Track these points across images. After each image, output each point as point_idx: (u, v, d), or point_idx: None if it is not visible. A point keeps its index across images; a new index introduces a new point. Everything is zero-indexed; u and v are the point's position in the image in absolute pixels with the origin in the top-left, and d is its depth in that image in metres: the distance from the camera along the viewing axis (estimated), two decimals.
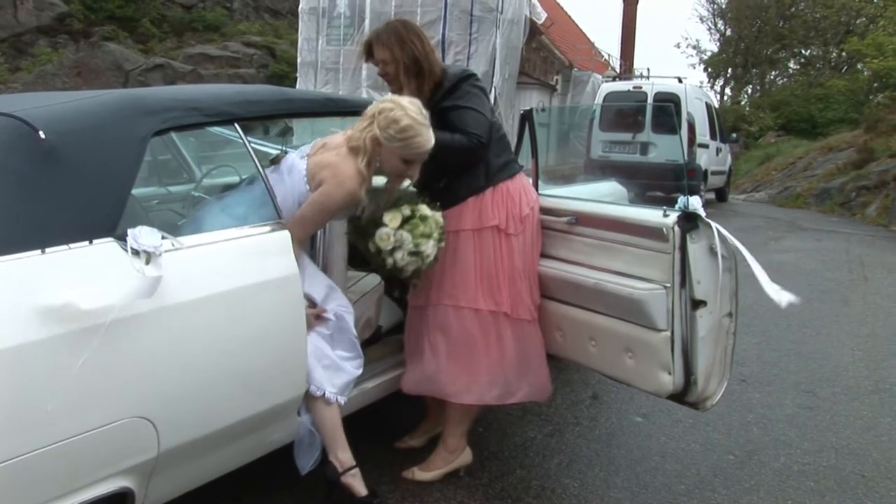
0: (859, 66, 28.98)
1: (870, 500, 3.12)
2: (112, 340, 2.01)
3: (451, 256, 3.07)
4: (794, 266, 8.52)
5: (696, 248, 2.73)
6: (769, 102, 34.72)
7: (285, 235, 2.60)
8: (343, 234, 3.25)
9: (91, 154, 2.17)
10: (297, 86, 20.16)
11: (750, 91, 40.74)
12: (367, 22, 19.04)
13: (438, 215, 2.93)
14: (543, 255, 3.24)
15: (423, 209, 2.91)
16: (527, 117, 3.50)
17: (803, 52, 38.43)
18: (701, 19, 40.92)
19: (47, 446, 1.89)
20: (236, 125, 2.64)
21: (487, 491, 3.11)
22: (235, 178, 3.10)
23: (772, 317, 5.89)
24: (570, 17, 34.40)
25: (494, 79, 18.90)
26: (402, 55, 2.99)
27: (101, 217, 2.11)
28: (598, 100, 14.18)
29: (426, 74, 3.02)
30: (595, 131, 13.40)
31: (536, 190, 3.31)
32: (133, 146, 2.26)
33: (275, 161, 3.05)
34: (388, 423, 3.59)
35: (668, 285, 2.75)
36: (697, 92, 14.66)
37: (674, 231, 2.72)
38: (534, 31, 21.51)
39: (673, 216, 2.75)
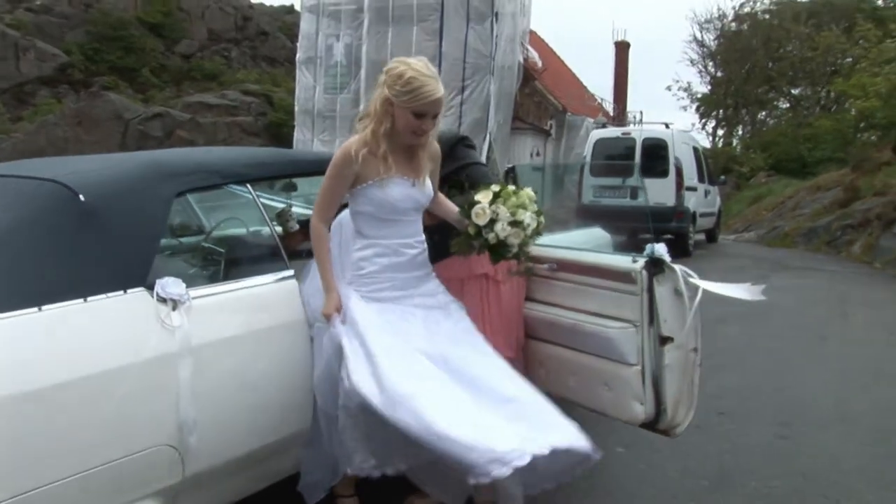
0: (846, 105, 29.51)
1: None
2: (145, 377, 2.31)
3: None
4: (777, 303, 8.80)
5: (662, 290, 3.04)
6: (759, 143, 35.31)
7: (293, 285, 2.92)
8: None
9: (123, 214, 2.48)
10: (295, 133, 20.62)
11: (741, 132, 41.37)
12: (363, 70, 19.52)
13: (529, 190, 3.03)
14: (528, 299, 3.55)
15: (512, 186, 3.02)
16: (509, 172, 3.84)
17: (793, 91, 39.11)
18: (691, 62, 41.59)
19: (92, 469, 2.18)
20: (248, 185, 2.97)
21: None
22: (243, 230, 3.43)
23: (751, 353, 6.19)
24: (563, 62, 35.01)
25: (489, 124, 19.33)
26: None
27: (133, 269, 2.42)
28: (588, 146, 14.59)
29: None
30: (586, 176, 13.77)
31: None
32: (159, 206, 2.59)
33: (281, 214, 3.37)
34: None
35: (638, 324, 3.05)
36: (684, 137, 15.10)
37: (641, 275, 3.02)
38: (527, 76, 22.00)
39: (641, 261, 3.06)
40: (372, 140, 2.83)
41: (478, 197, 2.94)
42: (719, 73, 40.59)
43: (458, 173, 3.34)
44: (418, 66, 2.78)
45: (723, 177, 19.74)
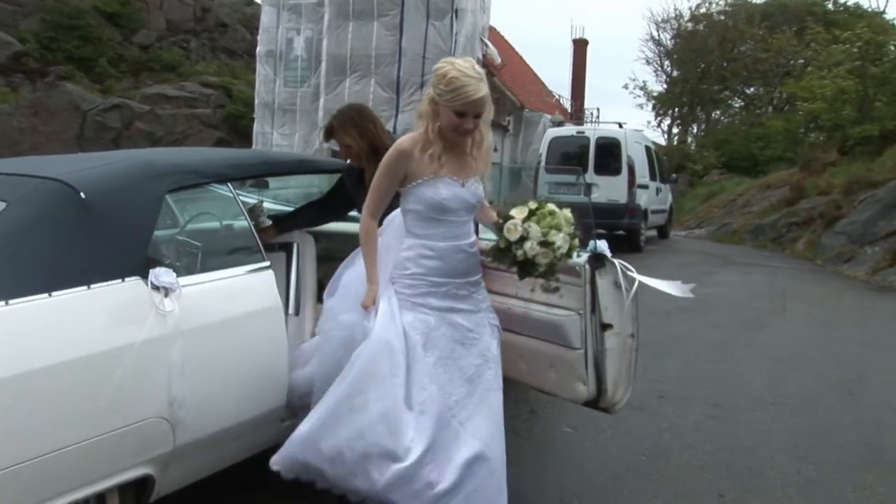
0: (796, 105, 30.33)
1: (752, 486, 3.78)
2: (141, 356, 2.59)
3: None
4: (721, 298, 9.28)
5: (603, 282, 3.38)
6: (713, 141, 36.08)
7: (269, 275, 3.21)
8: (313, 272, 3.87)
9: (120, 210, 2.76)
10: (255, 126, 20.67)
11: (695, 130, 42.18)
12: (323, 64, 19.61)
13: (567, 212, 3.07)
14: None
15: (551, 206, 3.05)
16: None
17: (746, 91, 39.96)
18: (647, 61, 42.30)
19: (96, 437, 2.46)
20: (228, 184, 3.26)
21: None
22: (216, 224, 3.70)
23: (693, 342, 6.60)
24: (522, 58, 35.37)
25: None
26: (360, 142, 3.62)
27: (130, 260, 2.70)
28: (544, 145, 14.99)
29: (381, 154, 3.64)
30: (542, 174, 14.17)
31: (477, 234, 3.95)
32: (152, 203, 2.86)
33: (252, 210, 3.64)
34: None
35: (582, 312, 3.39)
36: (637, 136, 15.59)
37: (585, 269, 3.36)
38: (486, 72, 22.33)
39: (584, 256, 3.40)
40: (425, 139, 2.93)
41: (513, 212, 3.00)
42: (675, 73, 41.32)
43: None
44: (462, 66, 2.86)
45: (674, 175, 20.31)
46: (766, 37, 35.56)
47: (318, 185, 5.44)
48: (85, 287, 2.52)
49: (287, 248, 3.83)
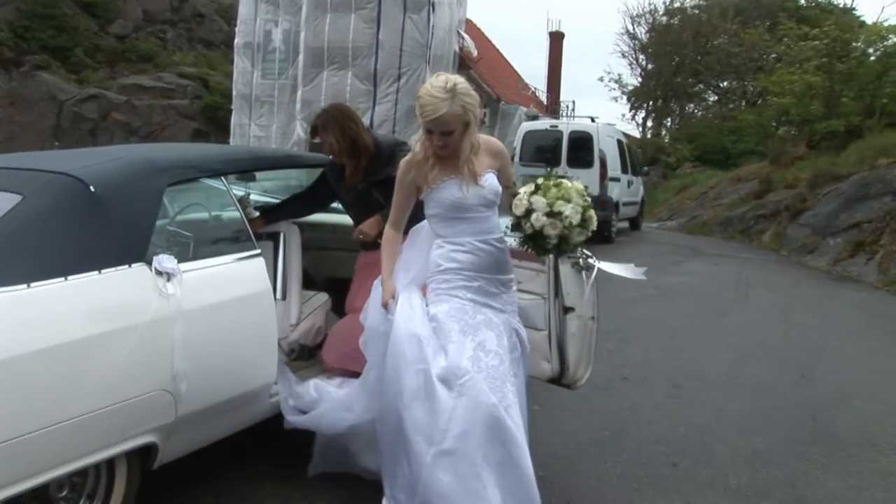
0: (768, 100, 30.82)
1: (704, 457, 4.11)
2: (146, 335, 2.87)
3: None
4: (688, 287, 9.65)
5: (565, 269, 3.69)
6: (686, 135, 36.55)
7: (260, 261, 3.49)
8: (299, 260, 4.15)
9: (126, 202, 3.03)
10: (233, 118, 20.76)
11: (669, 123, 42.66)
12: (301, 56, 19.71)
13: (578, 184, 3.11)
14: None
15: (561, 180, 3.12)
16: None
17: (720, 84, 40.46)
18: (622, 55, 42.72)
19: (107, 407, 2.73)
20: (222, 178, 3.54)
21: None
22: (212, 215, 3.97)
23: (658, 328, 6.94)
24: (498, 51, 35.56)
25: None
26: (342, 140, 3.89)
27: (135, 248, 2.97)
28: (518, 138, 15.30)
29: (362, 151, 3.92)
30: (516, 165, 14.47)
31: None
32: (154, 195, 3.13)
33: (240, 202, 3.91)
34: None
35: (546, 296, 3.71)
36: (609, 130, 15.94)
37: (549, 256, 3.66)
38: (462, 65, 22.53)
39: None
40: (420, 152, 3.16)
41: (521, 189, 3.11)
42: (650, 66, 41.74)
43: (394, 177, 3.93)
44: (433, 84, 3.04)
45: (646, 168, 20.70)
46: (739, 31, 36.01)
47: (296, 177, 5.72)
48: (96, 272, 2.79)
49: (274, 237, 4.12)
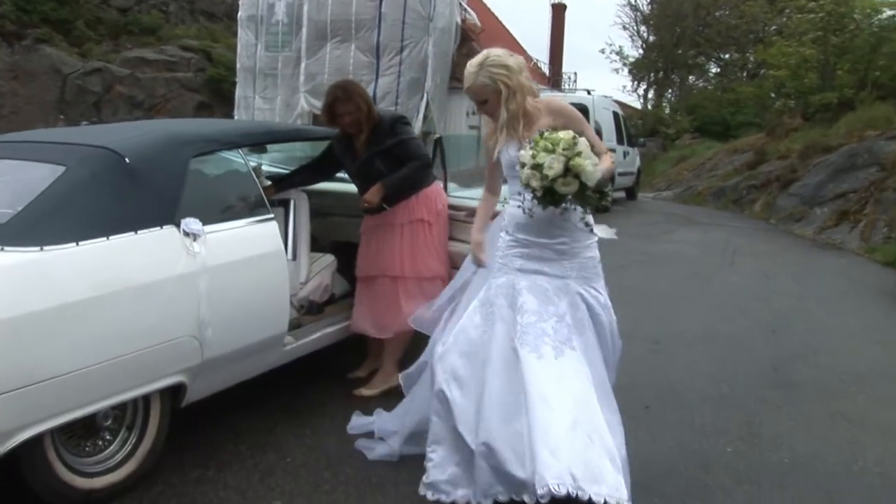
0: (765, 72, 31.02)
1: (673, 402, 4.56)
2: (176, 287, 3.29)
3: (385, 241, 4.41)
4: (677, 253, 10.08)
5: None
6: (686, 106, 36.77)
7: (273, 225, 3.91)
8: (308, 224, 4.58)
9: (156, 171, 3.44)
10: (237, 91, 20.96)
11: (670, 95, 42.83)
12: (304, 29, 19.83)
13: (569, 136, 3.08)
14: (451, 238, 4.59)
15: (549, 131, 3.15)
16: (438, 143, 4.87)
17: (722, 56, 40.56)
18: (624, 27, 42.82)
19: (146, 348, 3.16)
20: (239, 150, 3.96)
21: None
22: (231, 183, 4.36)
23: (643, 292, 7.37)
24: (500, 22, 35.67)
25: (426, 84, 20.03)
26: (363, 109, 4.30)
27: (166, 212, 3.39)
28: None
29: (373, 120, 4.34)
30: None
31: (446, 192, 4.67)
32: (181, 165, 3.55)
33: (254, 171, 4.31)
34: (343, 363, 4.88)
35: None
36: (605, 102, 16.30)
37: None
38: (465, 37, 22.72)
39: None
40: (490, 120, 3.50)
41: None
42: (651, 38, 41.84)
43: (396, 147, 4.35)
44: (476, 58, 3.42)
45: (642, 139, 21.00)
46: (739, 3, 36.08)
47: (301, 149, 6.14)
48: (133, 232, 3.21)
49: (285, 203, 4.54)
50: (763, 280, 8.61)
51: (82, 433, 3.21)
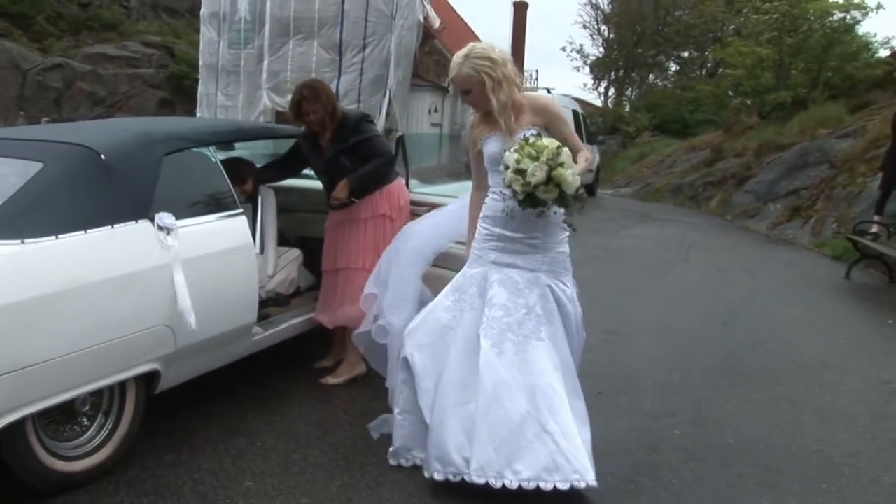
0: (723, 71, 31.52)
1: (626, 388, 4.79)
2: (151, 278, 3.44)
3: (349, 235, 4.58)
4: (634, 248, 10.36)
5: None
6: (645, 104, 37.31)
7: (242, 220, 4.07)
8: (274, 220, 4.74)
9: (131, 168, 3.58)
10: (199, 88, 20.88)
11: (630, 93, 43.39)
12: (267, 27, 19.83)
13: (553, 145, 3.24)
14: None
15: (545, 140, 3.29)
16: (400, 141, 5.06)
17: (681, 55, 41.16)
18: (584, 25, 43.29)
19: (121, 337, 3.30)
20: (210, 147, 4.11)
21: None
22: (202, 179, 4.50)
23: (599, 285, 7.61)
24: (463, 20, 35.86)
25: (389, 81, 20.13)
26: (328, 107, 4.48)
27: (141, 206, 3.53)
28: None
29: (337, 118, 4.52)
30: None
31: (408, 188, 4.86)
32: (154, 163, 3.69)
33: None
34: (309, 353, 5.04)
35: None
36: (565, 101, 16.61)
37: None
38: (427, 35, 22.84)
39: None
40: (472, 113, 3.68)
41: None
42: (612, 36, 42.34)
43: (360, 144, 4.53)
44: (462, 50, 3.55)
45: (601, 137, 21.34)
46: (698, 3, 36.64)
47: (264, 146, 6.28)
48: (109, 226, 3.35)
49: (253, 199, 4.70)
50: (717, 274, 8.90)
51: (61, 418, 3.34)
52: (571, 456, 3.19)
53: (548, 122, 3.55)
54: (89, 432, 3.45)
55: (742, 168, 15.74)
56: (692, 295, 7.66)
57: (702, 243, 11.16)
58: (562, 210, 3.49)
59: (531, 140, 3.29)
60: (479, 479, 3.20)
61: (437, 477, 3.33)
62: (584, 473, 3.18)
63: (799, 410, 4.55)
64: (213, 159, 4.15)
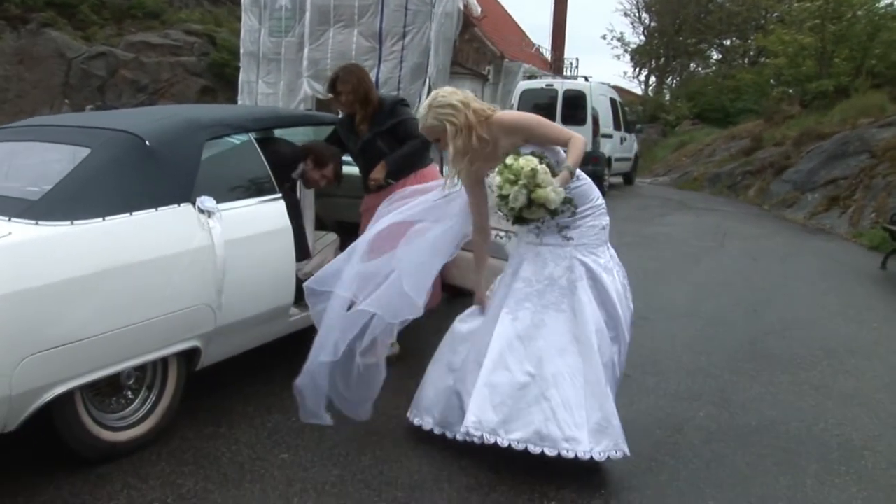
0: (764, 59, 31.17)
1: (653, 370, 4.88)
2: (193, 259, 3.61)
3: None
4: (668, 236, 10.39)
5: None
6: (686, 93, 36.95)
7: (280, 204, 4.22)
8: (312, 204, 4.90)
9: (174, 153, 3.75)
10: (241, 76, 21.23)
11: (670, 81, 43.02)
12: (307, 14, 20.02)
13: (532, 162, 3.32)
14: None
15: (521, 159, 3.34)
16: None
17: (724, 43, 40.70)
18: (625, 13, 42.96)
19: (167, 314, 3.48)
20: (250, 134, 4.27)
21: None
22: (243, 164, 4.66)
23: (633, 272, 7.56)
24: (503, 7, 35.75)
25: (429, 69, 20.24)
26: (359, 90, 4.65)
27: (183, 190, 3.70)
28: (515, 96, 15.92)
29: (370, 103, 4.68)
30: None
31: (441, 174, 4.99)
32: (196, 148, 3.86)
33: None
34: None
35: (512, 235, 4.42)
36: (602, 89, 16.58)
37: None
38: (467, 22, 22.84)
39: None
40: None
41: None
42: (653, 24, 41.99)
43: (396, 126, 4.67)
44: (427, 99, 3.68)
45: (639, 125, 21.29)
46: None
47: (304, 133, 6.44)
48: (154, 209, 3.53)
49: (292, 184, 4.86)
50: (750, 262, 8.91)
51: (108, 391, 3.54)
52: (565, 425, 3.30)
53: (526, 137, 3.56)
54: (133, 405, 3.65)
55: (781, 157, 15.62)
56: (724, 282, 7.70)
57: (737, 232, 11.14)
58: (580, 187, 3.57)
59: (509, 163, 3.33)
60: (475, 432, 3.37)
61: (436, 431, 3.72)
62: (574, 444, 3.27)
63: (823, 395, 4.61)
64: (253, 145, 4.32)
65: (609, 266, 3.63)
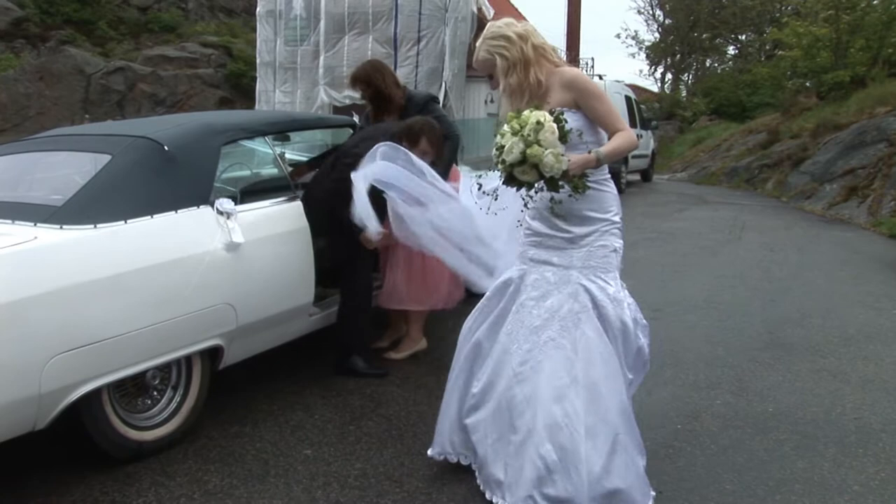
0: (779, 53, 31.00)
1: (671, 361, 4.91)
2: (213, 260, 3.69)
3: None
4: (686, 230, 10.39)
5: None
6: (702, 88, 36.84)
7: (298, 205, 4.30)
8: None
9: (192, 158, 3.84)
10: (257, 85, 21.34)
11: (687, 78, 42.89)
12: (322, 23, 20.16)
13: (539, 117, 2.88)
14: None
15: (534, 111, 2.93)
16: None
17: (740, 37, 40.51)
18: (639, 11, 42.85)
19: (188, 314, 3.56)
20: (266, 138, 4.36)
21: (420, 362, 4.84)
22: (259, 166, 4.78)
23: (650, 265, 7.71)
24: (516, 9, 35.73)
25: (444, 73, 20.30)
26: (368, 89, 4.75)
27: (202, 193, 3.78)
28: None
29: (387, 101, 4.75)
30: None
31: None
32: (214, 152, 3.95)
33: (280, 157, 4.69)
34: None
35: None
36: (616, 87, 16.60)
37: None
38: (481, 25, 22.88)
39: None
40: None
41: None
42: (667, 21, 41.88)
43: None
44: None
45: (655, 122, 21.26)
46: None
47: (321, 138, 6.53)
48: (174, 212, 3.62)
49: None
50: (767, 253, 8.90)
51: (134, 391, 3.62)
52: (538, 471, 2.97)
53: (578, 98, 3.09)
54: (159, 404, 3.73)
55: (798, 149, 15.57)
56: (741, 273, 7.70)
57: (755, 224, 11.13)
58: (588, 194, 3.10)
59: (524, 111, 2.92)
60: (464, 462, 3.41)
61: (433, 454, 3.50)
62: (545, 485, 2.94)
63: (841, 381, 4.63)
64: (271, 148, 4.40)
65: (617, 297, 3.18)
